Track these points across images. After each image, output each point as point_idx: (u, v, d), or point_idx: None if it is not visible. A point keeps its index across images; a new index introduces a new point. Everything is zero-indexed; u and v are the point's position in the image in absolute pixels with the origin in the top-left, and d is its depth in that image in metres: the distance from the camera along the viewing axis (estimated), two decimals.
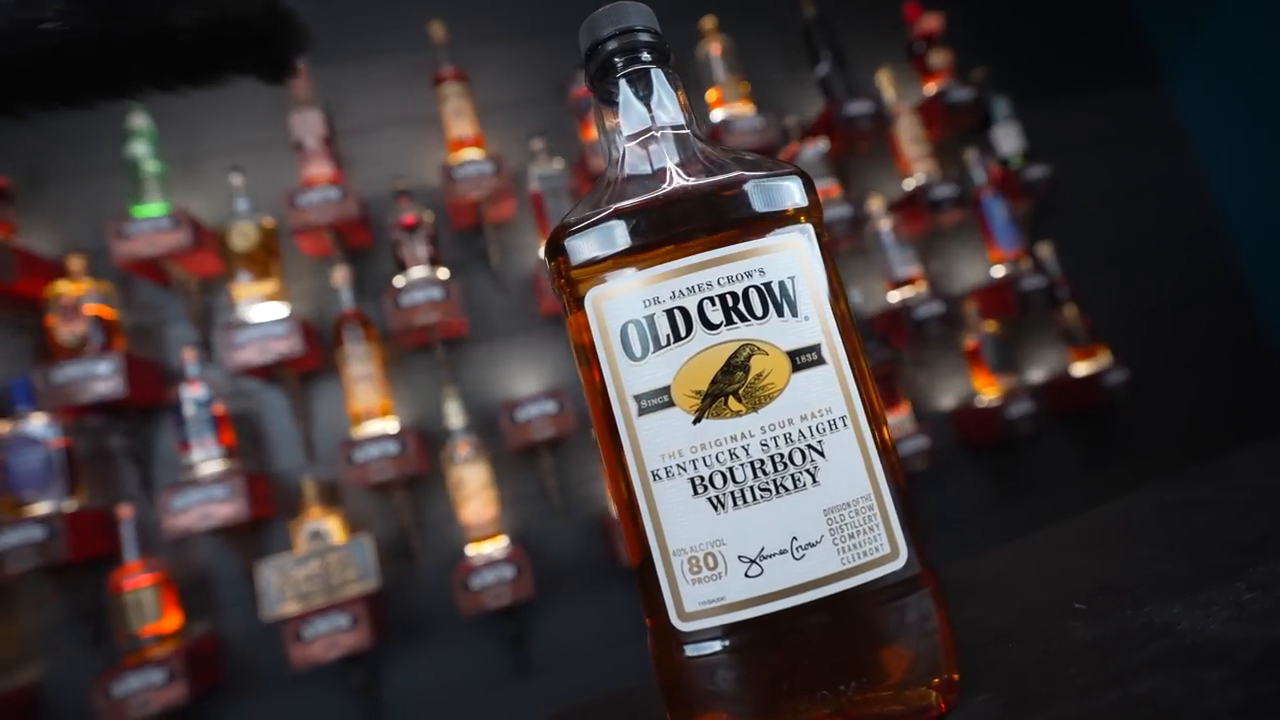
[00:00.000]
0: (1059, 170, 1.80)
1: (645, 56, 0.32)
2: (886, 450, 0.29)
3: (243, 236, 1.35)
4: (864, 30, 1.88)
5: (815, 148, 1.62)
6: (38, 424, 1.22)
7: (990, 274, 1.81)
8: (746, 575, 0.27)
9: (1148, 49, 2.20)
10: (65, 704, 1.25)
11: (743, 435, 0.27)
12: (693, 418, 0.28)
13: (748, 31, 1.76)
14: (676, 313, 0.28)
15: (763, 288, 0.28)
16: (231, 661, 1.33)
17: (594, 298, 0.29)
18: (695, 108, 1.65)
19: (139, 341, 1.41)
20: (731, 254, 0.28)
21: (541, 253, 1.26)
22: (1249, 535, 0.36)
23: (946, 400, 1.76)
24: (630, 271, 0.29)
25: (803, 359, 0.28)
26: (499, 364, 1.54)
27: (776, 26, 1.83)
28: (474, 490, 1.36)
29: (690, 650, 0.28)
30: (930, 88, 1.79)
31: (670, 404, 0.28)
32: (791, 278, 0.29)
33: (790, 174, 0.31)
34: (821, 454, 0.28)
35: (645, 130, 0.32)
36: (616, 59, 0.32)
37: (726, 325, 0.28)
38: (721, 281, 0.28)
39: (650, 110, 0.32)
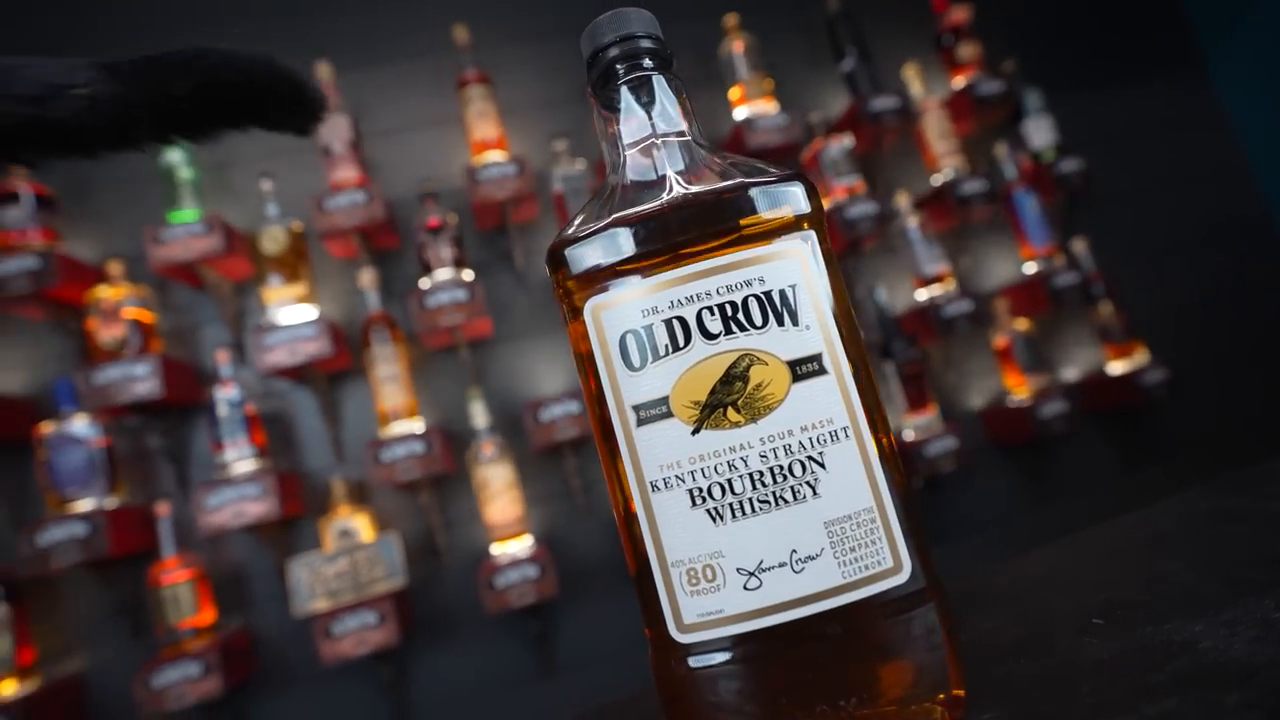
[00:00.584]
0: (1093, 163, 1.75)
1: (647, 63, 0.32)
2: (890, 461, 0.28)
3: (273, 240, 1.38)
4: (890, 23, 1.84)
5: (840, 144, 1.60)
6: (80, 424, 1.27)
7: (1022, 271, 1.76)
8: (745, 588, 0.27)
9: (1189, 36, 2.12)
10: (107, 694, 1.30)
11: (741, 447, 0.27)
12: (691, 429, 0.28)
13: (771, 27, 1.74)
14: (675, 322, 0.28)
15: (762, 297, 0.28)
16: (264, 656, 1.36)
17: (593, 307, 0.29)
18: (718, 106, 1.65)
19: (175, 344, 1.45)
20: (730, 263, 0.28)
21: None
22: None
23: (976, 400, 1.72)
24: (628, 281, 0.29)
25: (803, 369, 0.28)
26: (523, 364, 1.56)
27: (800, 22, 1.81)
28: (499, 490, 1.38)
29: (689, 662, 0.27)
30: (959, 81, 1.75)
31: (669, 415, 0.28)
32: (792, 286, 0.28)
33: (792, 180, 0.30)
34: (822, 465, 0.27)
35: (646, 137, 0.32)
36: (618, 66, 0.32)
37: (725, 335, 0.28)
38: (720, 291, 0.28)
39: (651, 117, 0.32)
